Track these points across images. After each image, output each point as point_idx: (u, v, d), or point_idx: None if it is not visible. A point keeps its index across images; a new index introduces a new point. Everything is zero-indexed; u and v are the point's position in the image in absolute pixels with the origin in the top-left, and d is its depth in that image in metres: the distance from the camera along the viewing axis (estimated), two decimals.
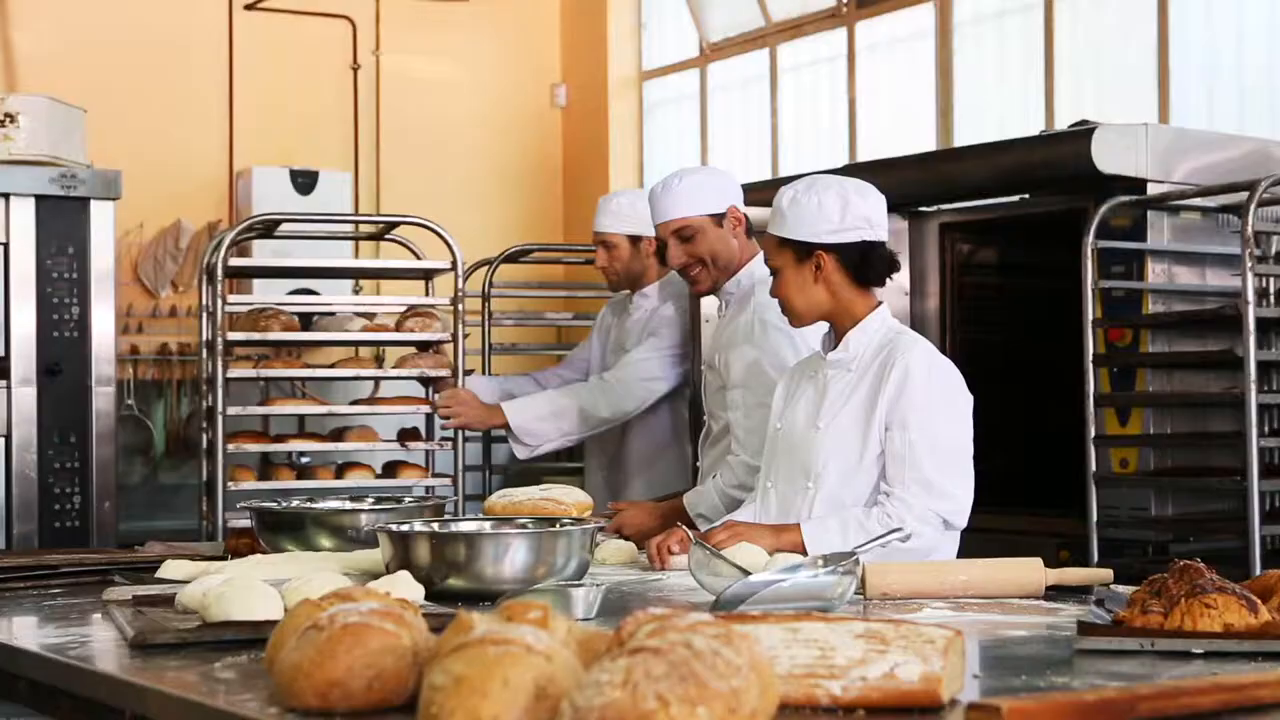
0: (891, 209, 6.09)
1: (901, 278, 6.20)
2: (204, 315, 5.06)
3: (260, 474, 5.15)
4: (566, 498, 3.74)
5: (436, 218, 9.12)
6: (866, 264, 3.38)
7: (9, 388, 5.53)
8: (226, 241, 4.90)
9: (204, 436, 5.07)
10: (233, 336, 4.93)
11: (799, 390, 3.52)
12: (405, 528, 2.99)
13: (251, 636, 2.31)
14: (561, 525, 3.01)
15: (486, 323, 6.48)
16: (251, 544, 3.61)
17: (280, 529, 3.50)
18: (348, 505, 3.73)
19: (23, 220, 5.56)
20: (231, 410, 4.87)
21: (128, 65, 8.25)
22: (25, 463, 5.53)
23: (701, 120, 9.33)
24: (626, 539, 3.83)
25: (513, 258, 6.63)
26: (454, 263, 5.09)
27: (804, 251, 3.36)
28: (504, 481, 6.38)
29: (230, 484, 4.87)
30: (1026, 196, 5.90)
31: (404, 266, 5.79)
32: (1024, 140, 5.84)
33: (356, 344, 5.89)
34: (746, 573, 2.72)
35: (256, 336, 5.30)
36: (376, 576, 2.80)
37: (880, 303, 3.45)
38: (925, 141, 7.82)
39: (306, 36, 8.86)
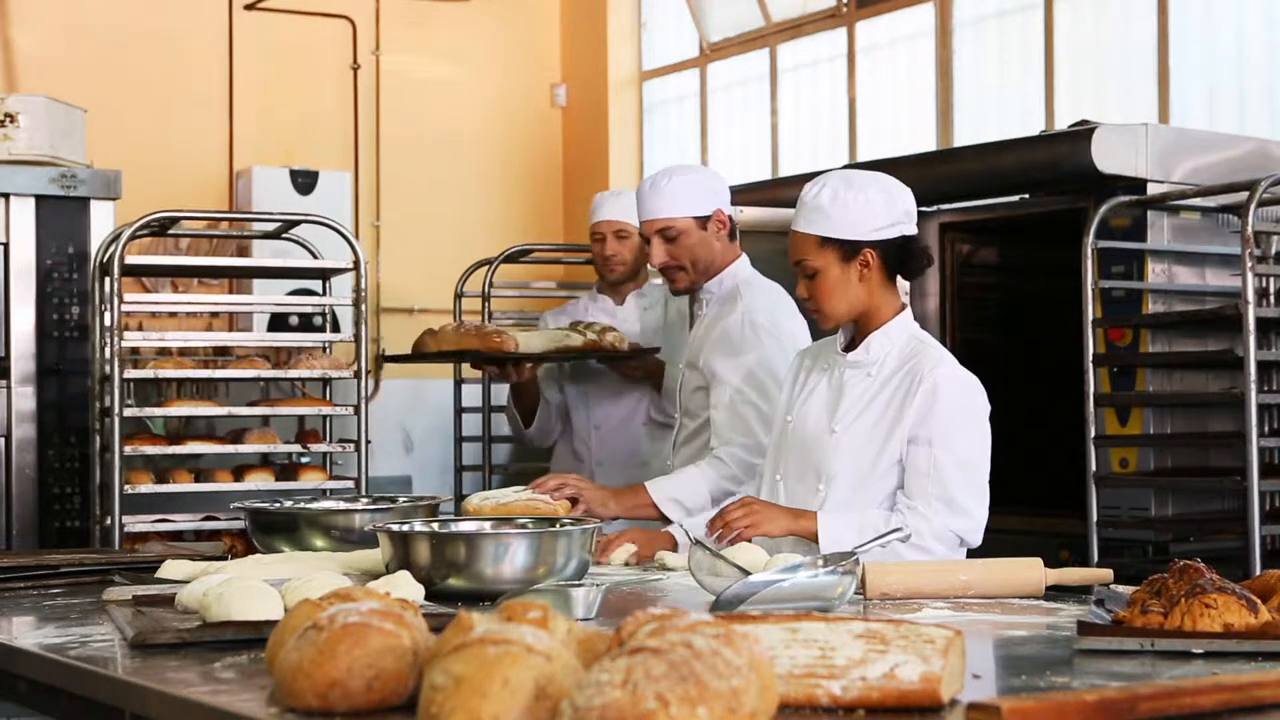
0: None
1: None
2: (96, 314, 5.03)
3: (157, 477, 5.09)
4: (548, 499, 3.72)
5: (437, 218, 9.14)
6: (907, 259, 3.34)
7: (9, 388, 5.52)
8: (125, 237, 4.86)
9: (97, 438, 5.05)
10: (129, 336, 4.89)
11: (811, 382, 3.47)
12: (405, 528, 2.99)
13: (251, 636, 2.31)
14: (561, 525, 3.01)
15: (487, 323, 6.49)
16: (235, 543, 3.61)
17: (275, 529, 3.49)
18: (342, 505, 3.73)
19: (23, 220, 5.56)
20: (128, 411, 4.82)
21: (128, 65, 8.25)
22: (25, 463, 5.53)
23: (701, 120, 9.33)
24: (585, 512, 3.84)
25: (513, 258, 6.63)
26: (356, 262, 5.06)
27: (851, 250, 3.29)
28: (503, 482, 6.38)
29: (127, 487, 4.82)
30: (1026, 196, 5.91)
31: (301, 266, 5.77)
32: (1024, 140, 5.84)
33: (254, 345, 5.89)
34: (746, 573, 2.72)
35: (154, 336, 5.43)
36: (376, 576, 2.80)
37: (905, 305, 3.41)
38: (925, 141, 7.82)
39: (306, 36, 8.85)
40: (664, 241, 4.08)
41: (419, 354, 4.98)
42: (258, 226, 6.19)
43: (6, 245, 5.53)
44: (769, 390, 3.85)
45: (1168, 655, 2.17)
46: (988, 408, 3.35)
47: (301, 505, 3.63)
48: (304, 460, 5.21)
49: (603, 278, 5.17)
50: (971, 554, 3.30)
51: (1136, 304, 5.28)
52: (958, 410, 3.26)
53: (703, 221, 4.06)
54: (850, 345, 3.42)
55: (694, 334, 4.22)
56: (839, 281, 3.31)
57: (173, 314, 7.13)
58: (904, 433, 3.26)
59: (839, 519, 3.26)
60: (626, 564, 3.50)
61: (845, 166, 6.64)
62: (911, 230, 3.35)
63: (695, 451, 4.11)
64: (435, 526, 3.07)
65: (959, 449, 3.25)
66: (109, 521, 4.82)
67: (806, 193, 3.35)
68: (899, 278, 3.41)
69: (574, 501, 3.79)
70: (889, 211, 3.30)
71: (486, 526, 3.07)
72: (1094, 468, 5.11)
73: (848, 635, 1.84)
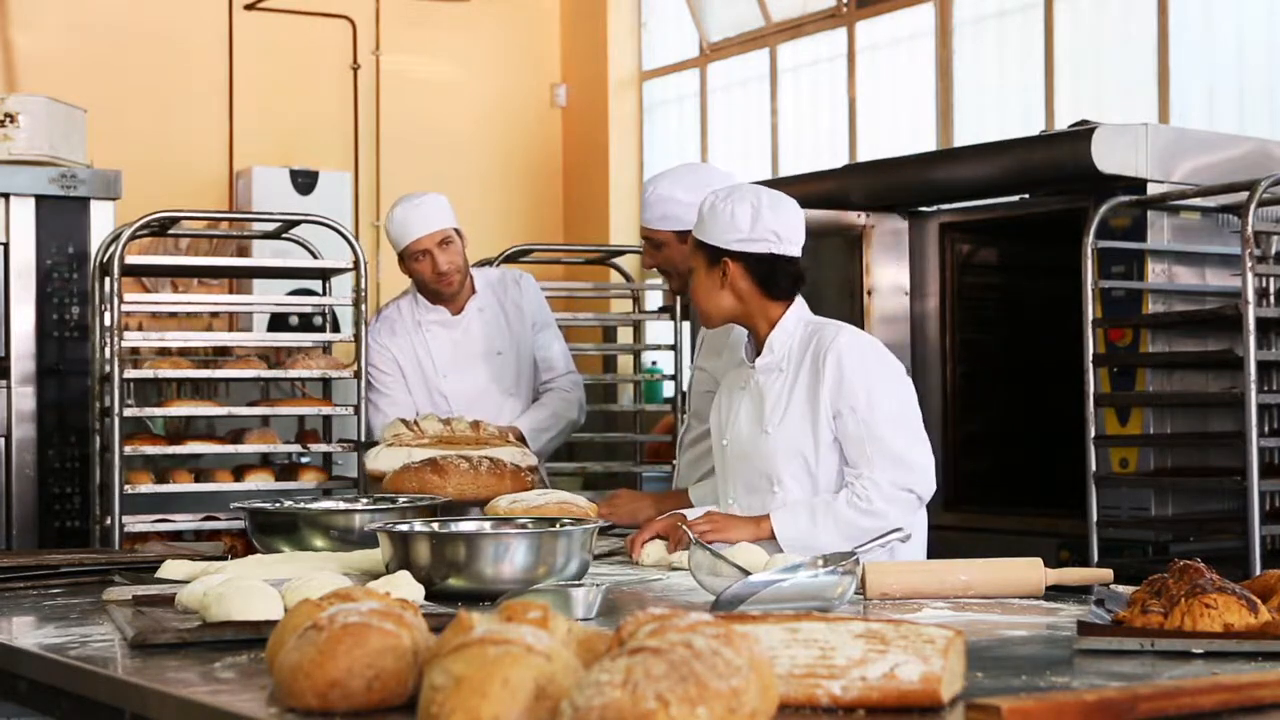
0: (891, 209, 6.17)
1: (901, 277, 6.20)
2: (96, 314, 5.04)
3: (157, 477, 5.09)
4: (578, 500, 3.74)
5: None
6: (773, 276, 3.45)
7: (9, 388, 5.52)
8: (125, 237, 4.87)
9: (97, 438, 5.05)
10: (129, 336, 4.89)
11: (733, 402, 3.58)
12: (405, 528, 2.99)
13: (251, 636, 2.31)
14: (561, 525, 3.00)
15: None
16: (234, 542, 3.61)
17: (275, 529, 3.49)
18: (342, 505, 3.73)
19: (23, 220, 5.56)
20: (128, 411, 4.82)
21: (128, 65, 8.26)
22: (25, 463, 5.52)
23: (701, 120, 9.33)
24: (615, 526, 3.84)
25: (513, 258, 6.63)
26: (356, 262, 5.05)
27: (714, 256, 3.45)
28: None
29: (127, 487, 4.83)
30: (1026, 196, 5.91)
31: (301, 266, 5.77)
32: (1024, 140, 5.84)
33: (254, 346, 5.89)
34: (746, 573, 2.72)
35: (154, 336, 5.50)
36: (376, 576, 2.80)
37: (793, 300, 3.50)
38: (925, 141, 7.83)
39: (306, 36, 8.86)
40: (652, 248, 4.08)
41: (427, 495, 4.13)
42: (258, 226, 6.19)
43: (6, 245, 5.53)
44: None
45: (1168, 655, 2.17)
46: (897, 363, 3.45)
47: (301, 505, 3.63)
48: (304, 460, 5.21)
49: (439, 295, 4.71)
50: (972, 554, 3.30)
51: (1136, 304, 5.28)
52: (868, 369, 3.37)
53: (683, 235, 4.02)
54: (756, 354, 3.52)
55: (700, 335, 4.22)
56: (703, 283, 3.48)
57: (173, 314, 7.13)
58: (827, 411, 3.36)
59: (789, 512, 3.36)
60: (658, 564, 3.46)
61: (845, 167, 6.66)
62: (781, 250, 3.43)
63: (703, 452, 4.11)
64: (435, 526, 3.07)
65: (883, 404, 3.34)
66: (109, 521, 4.82)
67: (704, 198, 3.51)
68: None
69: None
70: (752, 226, 3.41)
71: (486, 526, 3.07)
72: (1094, 468, 5.11)
73: (848, 635, 1.84)
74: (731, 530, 3.33)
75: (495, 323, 4.80)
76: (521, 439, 4.53)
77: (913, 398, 3.42)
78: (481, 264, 6.64)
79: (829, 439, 3.37)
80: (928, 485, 3.36)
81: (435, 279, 4.64)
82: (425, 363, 4.76)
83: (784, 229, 3.44)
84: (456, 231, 4.67)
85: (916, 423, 3.41)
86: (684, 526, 3.27)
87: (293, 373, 5.14)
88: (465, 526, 3.07)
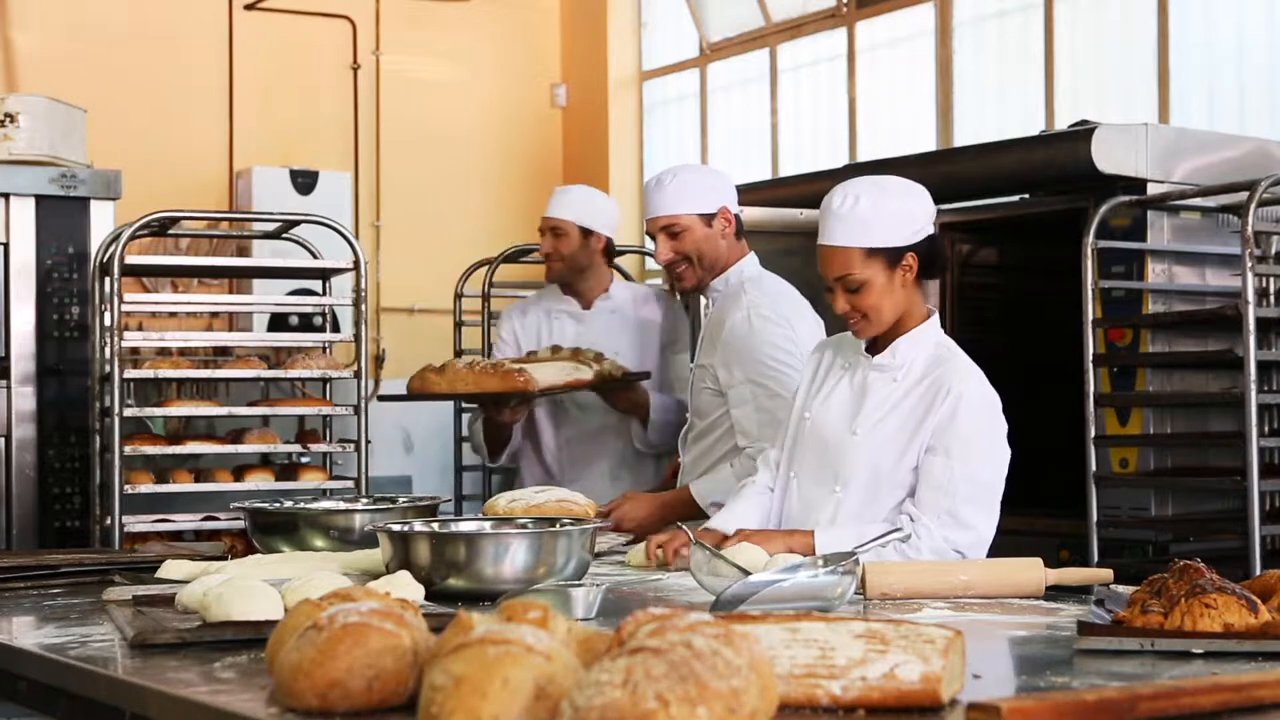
0: None
1: None
2: (96, 314, 5.05)
3: (157, 477, 5.10)
4: (577, 499, 3.73)
5: (437, 218, 9.12)
6: (935, 259, 3.35)
7: (9, 388, 5.52)
8: (125, 237, 4.87)
9: (97, 438, 5.05)
10: (129, 336, 4.90)
11: (831, 380, 3.44)
12: (405, 528, 2.99)
13: (251, 636, 2.31)
14: (561, 525, 3.00)
15: (486, 323, 6.49)
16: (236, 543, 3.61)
17: (275, 529, 3.49)
18: (342, 505, 3.73)
19: (23, 220, 5.56)
20: (128, 411, 4.82)
21: (128, 65, 8.25)
22: (25, 463, 5.53)
23: (701, 120, 9.33)
24: (625, 532, 3.84)
25: (513, 258, 6.63)
26: (356, 262, 5.06)
27: (896, 257, 3.28)
28: (503, 482, 6.38)
29: (127, 487, 4.83)
30: (1026, 196, 5.90)
31: (301, 266, 5.78)
32: (1024, 140, 5.84)
33: (254, 345, 5.90)
34: (746, 573, 2.72)
35: (154, 336, 5.58)
36: (376, 576, 2.80)
37: (932, 311, 3.41)
38: (925, 141, 7.82)
39: (306, 36, 8.85)
40: (669, 238, 4.09)
41: (427, 394, 4.73)
42: (258, 226, 6.20)
43: (6, 245, 5.54)
44: (785, 379, 3.86)
45: (1168, 655, 2.17)
46: (1006, 427, 3.32)
47: (301, 505, 3.63)
48: (304, 460, 5.22)
49: (567, 284, 5.07)
50: None
51: (1136, 304, 5.28)
52: (981, 426, 3.25)
53: (708, 219, 4.07)
54: (872, 346, 3.39)
55: (702, 333, 4.23)
56: (885, 290, 3.29)
57: (173, 314, 7.13)
58: (923, 441, 3.24)
59: (835, 536, 3.21)
60: (643, 565, 3.45)
61: (845, 167, 6.65)
62: (934, 230, 3.36)
63: (705, 449, 4.12)
64: (435, 526, 3.07)
65: (976, 464, 3.22)
66: (109, 521, 4.83)
67: (840, 205, 3.28)
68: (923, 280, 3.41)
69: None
70: (925, 213, 3.32)
71: (486, 526, 3.07)
72: (1094, 468, 5.11)
73: (848, 635, 1.84)
74: (766, 544, 3.16)
75: (622, 328, 5.00)
76: (628, 374, 4.80)
77: (1005, 468, 3.28)
78: (481, 265, 6.67)
79: (911, 465, 3.25)
80: (978, 548, 3.23)
81: (543, 258, 5.04)
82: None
83: (933, 207, 3.36)
84: (584, 230, 4.94)
85: (997, 495, 3.26)
86: (684, 528, 3.24)
87: (293, 373, 5.14)
88: (465, 526, 3.08)
